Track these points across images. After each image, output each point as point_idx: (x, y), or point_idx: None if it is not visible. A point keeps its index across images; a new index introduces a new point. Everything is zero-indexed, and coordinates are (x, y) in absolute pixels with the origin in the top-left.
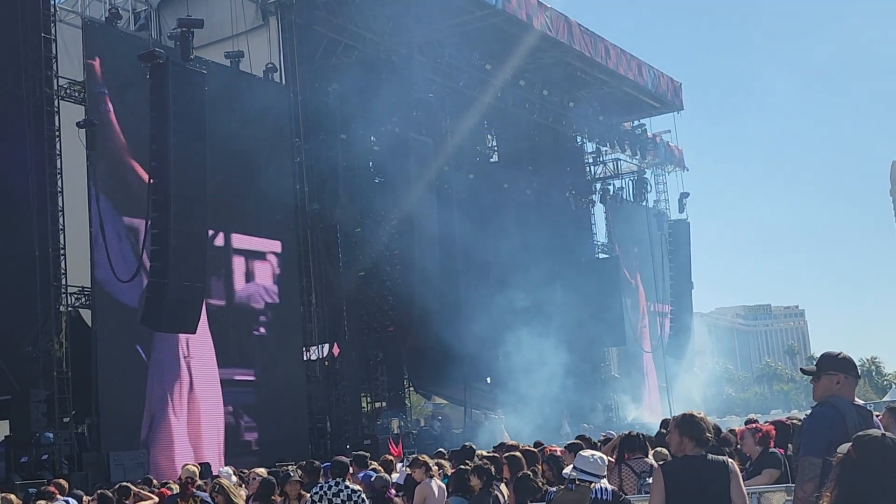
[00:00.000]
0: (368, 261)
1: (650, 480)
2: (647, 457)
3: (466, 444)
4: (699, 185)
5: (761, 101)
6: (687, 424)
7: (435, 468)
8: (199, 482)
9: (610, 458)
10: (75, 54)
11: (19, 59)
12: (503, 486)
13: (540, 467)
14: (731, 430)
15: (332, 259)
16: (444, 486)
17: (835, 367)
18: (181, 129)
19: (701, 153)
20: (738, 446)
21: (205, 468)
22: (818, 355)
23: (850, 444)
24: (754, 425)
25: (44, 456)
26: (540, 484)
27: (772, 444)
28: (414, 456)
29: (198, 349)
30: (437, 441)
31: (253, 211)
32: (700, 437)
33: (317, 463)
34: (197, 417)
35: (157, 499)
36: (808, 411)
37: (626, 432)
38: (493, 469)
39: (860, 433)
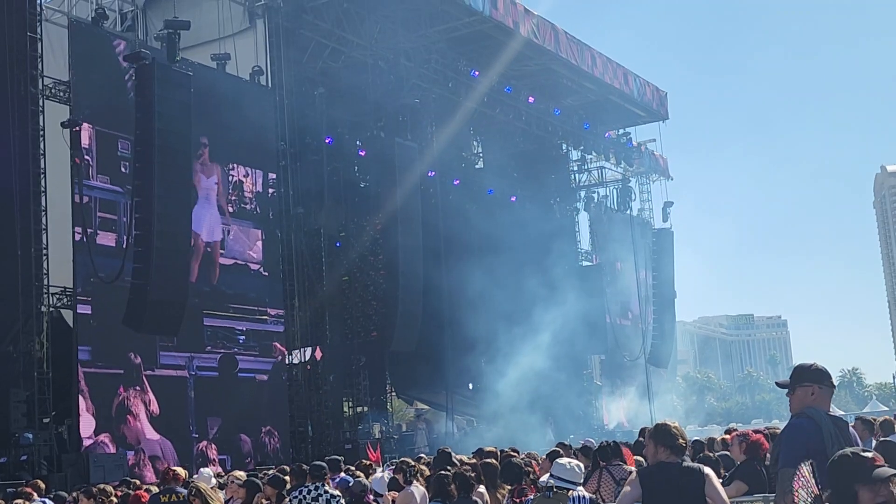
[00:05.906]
0: (352, 265)
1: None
2: (625, 464)
3: (443, 448)
4: (683, 194)
5: (746, 112)
6: (660, 434)
7: (418, 474)
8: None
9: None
10: (61, 54)
11: (5, 57)
12: (482, 491)
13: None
14: (726, 434)
15: (315, 263)
16: (426, 493)
17: (809, 378)
18: (166, 131)
19: (685, 163)
20: (726, 452)
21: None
22: None
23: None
24: (744, 432)
25: (23, 457)
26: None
27: (761, 454)
28: (401, 460)
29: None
30: (418, 446)
31: (237, 213)
32: (674, 445)
33: (305, 466)
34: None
35: None
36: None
37: (603, 442)
38: (471, 475)
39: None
